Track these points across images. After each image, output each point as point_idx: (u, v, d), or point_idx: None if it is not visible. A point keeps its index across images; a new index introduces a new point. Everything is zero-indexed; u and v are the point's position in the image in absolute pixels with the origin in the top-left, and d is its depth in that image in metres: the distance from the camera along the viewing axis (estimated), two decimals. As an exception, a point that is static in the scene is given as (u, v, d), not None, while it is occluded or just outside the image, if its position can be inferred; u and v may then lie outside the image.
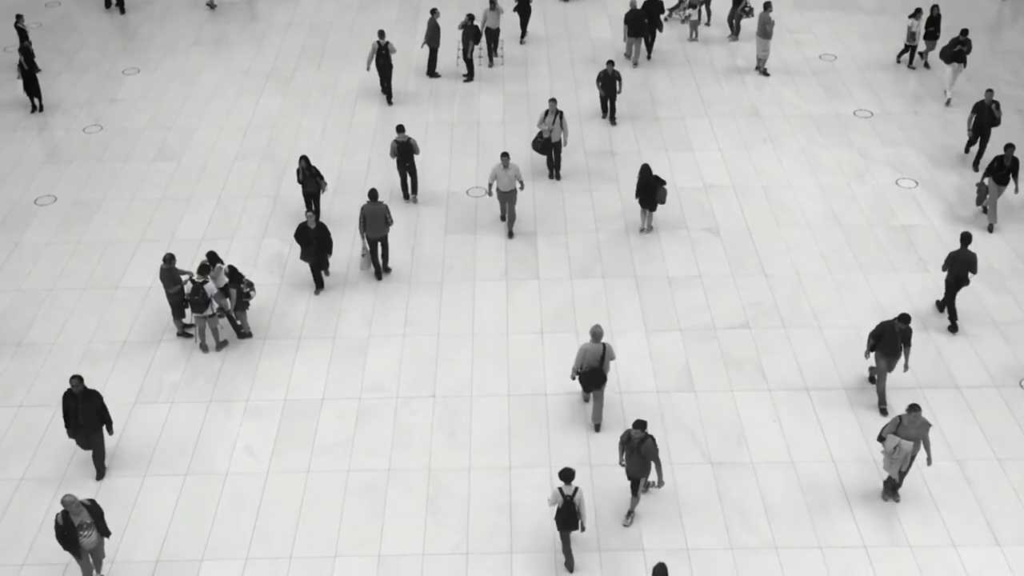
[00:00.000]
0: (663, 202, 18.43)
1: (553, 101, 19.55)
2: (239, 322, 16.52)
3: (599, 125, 22.39)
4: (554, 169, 20.34)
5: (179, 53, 25.93)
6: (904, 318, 14.33)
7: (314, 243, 16.82)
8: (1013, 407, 15.13)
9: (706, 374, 15.79)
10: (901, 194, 19.97)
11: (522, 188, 18.56)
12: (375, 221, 17.26)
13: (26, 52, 22.60)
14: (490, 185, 18.39)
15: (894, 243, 18.56)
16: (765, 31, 23.73)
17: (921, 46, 25.10)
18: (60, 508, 13.56)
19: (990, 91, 19.81)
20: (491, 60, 24.82)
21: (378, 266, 17.77)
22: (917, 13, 23.72)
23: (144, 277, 18.04)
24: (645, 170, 18.27)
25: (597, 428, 14.84)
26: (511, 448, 14.58)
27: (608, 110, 22.49)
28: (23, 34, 24.39)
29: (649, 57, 25.32)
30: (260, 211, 19.75)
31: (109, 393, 15.62)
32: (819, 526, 13.39)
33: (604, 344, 14.29)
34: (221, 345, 16.40)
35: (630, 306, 17.19)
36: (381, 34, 22.57)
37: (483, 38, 25.56)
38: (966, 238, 16.18)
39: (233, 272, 16.10)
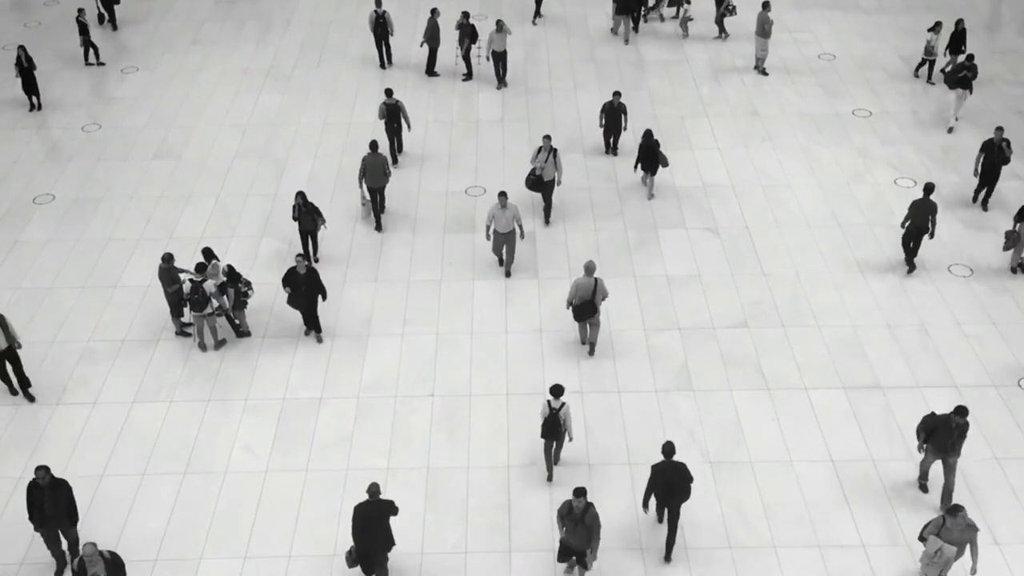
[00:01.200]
0: (665, 165, 19.44)
1: (547, 138, 18.37)
2: (237, 321, 16.52)
3: (599, 142, 22.38)
4: (545, 214, 18.94)
5: (178, 51, 25.91)
6: (961, 411, 12.75)
7: (303, 289, 15.87)
8: (1012, 407, 15.14)
9: (705, 373, 15.79)
10: (900, 193, 19.97)
11: (522, 237, 17.32)
12: (375, 172, 18.42)
13: (24, 53, 22.55)
14: (488, 227, 17.08)
15: (893, 242, 18.57)
16: (764, 30, 23.72)
17: (941, 61, 24.39)
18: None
19: (1000, 129, 18.58)
20: (499, 82, 23.77)
21: (377, 215, 18.89)
22: (937, 26, 23.15)
23: (143, 276, 18.03)
24: (647, 135, 19.32)
25: (591, 351, 16.10)
26: (510, 447, 14.59)
27: (610, 145, 21.13)
28: (83, 27, 24.62)
29: (636, 30, 26.35)
30: (259, 210, 19.74)
31: (107, 392, 15.62)
32: (817, 525, 13.39)
33: (596, 279, 15.53)
34: (220, 344, 16.39)
35: (629, 305, 17.19)
36: (378, 3, 22.91)
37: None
38: (929, 188, 17.20)
39: (231, 271, 16.10)
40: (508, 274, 17.75)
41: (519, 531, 13.36)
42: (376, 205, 18.78)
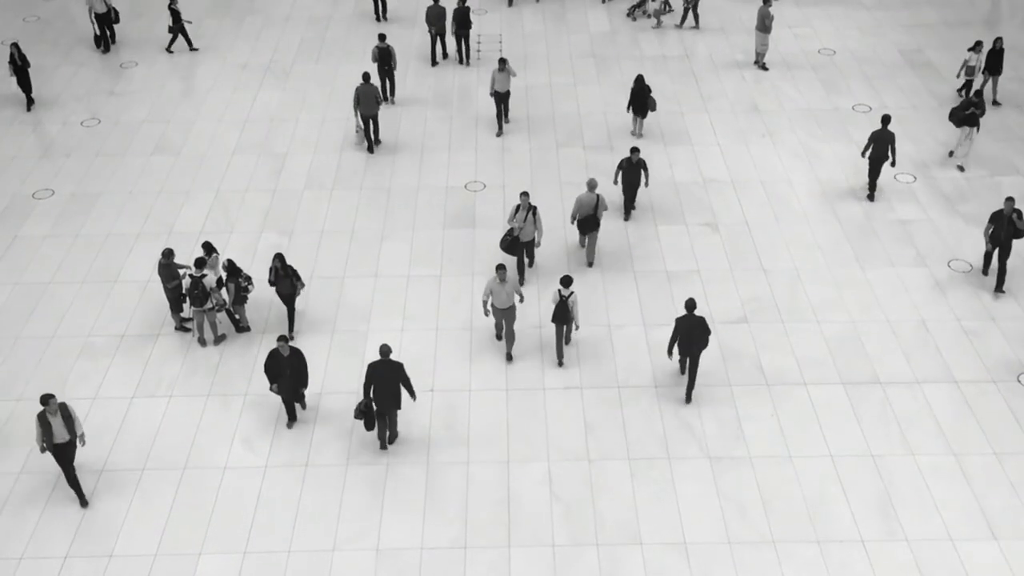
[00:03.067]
0: (654, 109, 21.00)
1: (525, 195, 16.66)
2: (237, 316, 16.52)
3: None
4: (521, 273, 17.33)
5: (177, 46, 25.86)
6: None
7: (287, 374, 14.18)
8: (1011, 402, 15.15)
9: (705, 369, 15.79)
10: (899, 189, 19.97)
11: (521, 301, 15.85)
12: (367, 100, 20.60)
13: (17, 50, 22.42)
14: (484, 303, 15.48)
15: (892, 237, 18.57)
16: (764, 25, 23.70)
17: (978, 81, 23.37)
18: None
19: (1010, 199, 16.77)
20: (500, 126, 21.71)
21: (370, 140, 21.02)
22: (977, 46, 21.89)
23: (142, 271, 18.02)
24: (638, 80, 20.85)
25: (590, 264, 17.78)
26: (509, 442, 14.60)
27: (628, 207, 18.95)
28: (176, 15, 24.76)
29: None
30: (258, 205, 19.73)
31: (107, 387, 15.62)
32: (817, 520, 13.41)
33: (597, 195, 17.17)
34: (219, 339, 16.39)
35: (628, 300, 17.19)
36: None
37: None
38: (886, 119, 18.94)
39: (231, 266, 16.08)
40: (510, 357, 15.84)
41: (518, 526, 13.37)
42: (369, 132, 20.92)
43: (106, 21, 25.06)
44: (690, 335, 14.52)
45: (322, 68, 24.77)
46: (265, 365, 14.13)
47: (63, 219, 19.42)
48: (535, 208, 16.84)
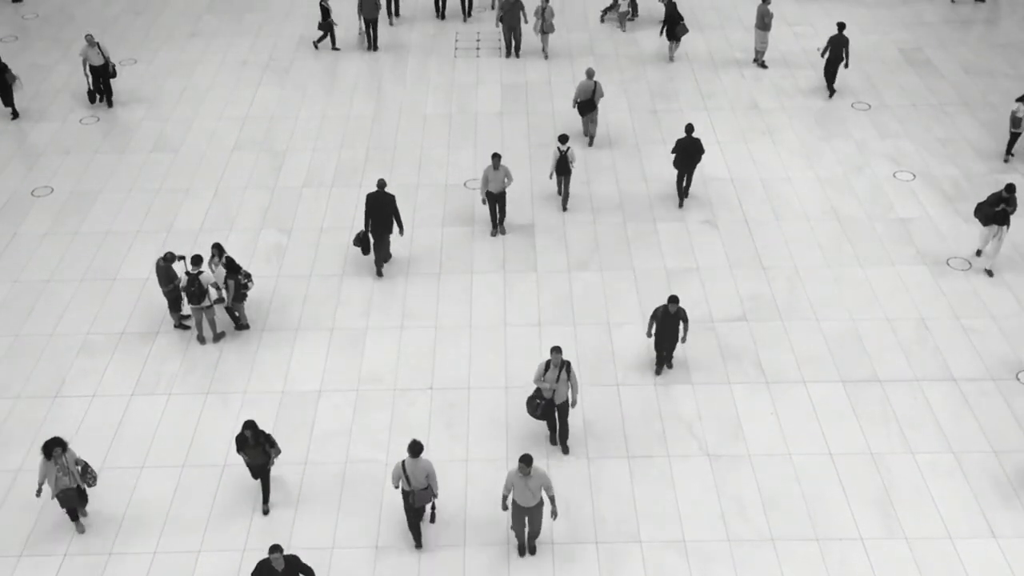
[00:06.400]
0: (686, 31, 23.81)
1: (557, 352, 13.56)
2: (237, 313, 16.50)
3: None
4: (554, 438, 14.44)
5: (176, 44, 25.86)
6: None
7: None
8: (1010, 400, 15.16)
9: (704, 367, 15.80)
10: (899, 187, 19.97)
11: (554, 516, 12.63)
12: (369, 4, 24.18)
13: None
14: (504, 498, 12.53)
15: (892, 236, 18.57)
16: (764, 23, 23.69)
17: None
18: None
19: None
20: (494, 226, 18.63)
21: (371, 40, 24.68)
22: None
23: (142, 268, 18.01)
24: (671, 5, 23.65)
25: (591, 143, 21.04)
26: (508, 440, 14.60)
27: (662, 362, 15.57)
28: (326, 12, 24.84)
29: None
30: (258, 202, 19.72)
31: (106, 385, 15.62)
32: (816, 518, 13.42)
33: (595, 82, 20.37)
34: (218, 337, 16.39)
35: (628, 298, 17.19)
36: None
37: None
38: (841, 25, 22.15)
39: (230, 263, 16.06)
40: (531, 550, 13.03)
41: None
42: (370, 33, 24.58)
43: (102, 74, 22.47)
44: (686, 153, 17.89)
45: (322, 65, 24.74)
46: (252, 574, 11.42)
47: (62, 217, 19.40)
48: (568, 364, 13.76)
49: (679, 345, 15.97)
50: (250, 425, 12.95)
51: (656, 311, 14.98)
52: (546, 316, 16.83)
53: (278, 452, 13.45)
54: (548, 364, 13.73)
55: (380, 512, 13.55)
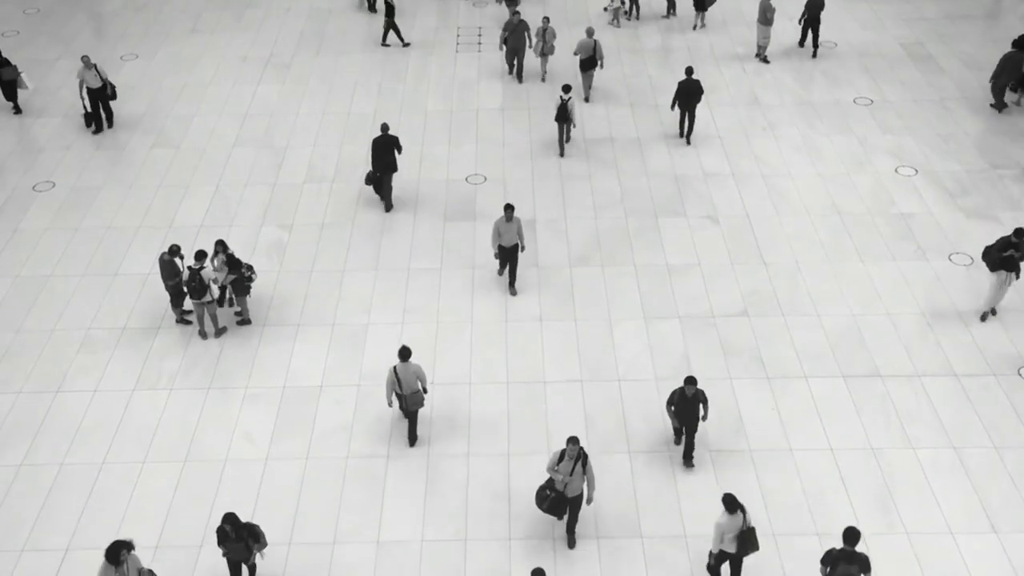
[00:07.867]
0: (714, 1, 25.35)
1: (574, 442, 12.41)
2: (238, 308, 16.51)
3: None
4: (567, 531, 13.14)
5: (177, 40, 25.84)
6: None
7: None
8: (1011, 396, 15.15)
9: (705, 362, 15.80)
10: (901, 182, 19.95)
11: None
12: None
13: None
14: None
15: (893, 231, 18.56)
16: (766, 18, 23.66)
17: None
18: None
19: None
20: (511, 287, 17.17)
21: (370, 2, 26.02)
22: None
23: (143, 264, 18.02)
24: None
25: (587, 100, 22.38)
26: (509, 435, 14.61)
27: (686, 449, 14.12)
28: (390, 8, 24.75)
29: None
30: (258, 198, 19.72)
31: (107, 380, 15.63)
32: (816, 513, 13.42)
33: (595, 40, 21.75)
34: (220, 332, 16.40)
35: (629, 294, 17.19)
36: None
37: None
38: None
39: (232, 258, 16.07)
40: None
41: (519, 519, 13.39)
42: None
43: (101, 97, 21.54)
44: (688, 93, 19.54)
45: (322, 61, 24.73)
46: None
47: (63, 212, 19.41)
48: (586, 456, 12.65)
49: (700, 424, 14.61)
50: (230, 519, 11.66)
51: (672, 395, 13.61)
52: (547, 311, 16.83)
53: (263, 546, 12.04)
54: (563, 454, 12.57)
55: (382, 507, 13.56)
